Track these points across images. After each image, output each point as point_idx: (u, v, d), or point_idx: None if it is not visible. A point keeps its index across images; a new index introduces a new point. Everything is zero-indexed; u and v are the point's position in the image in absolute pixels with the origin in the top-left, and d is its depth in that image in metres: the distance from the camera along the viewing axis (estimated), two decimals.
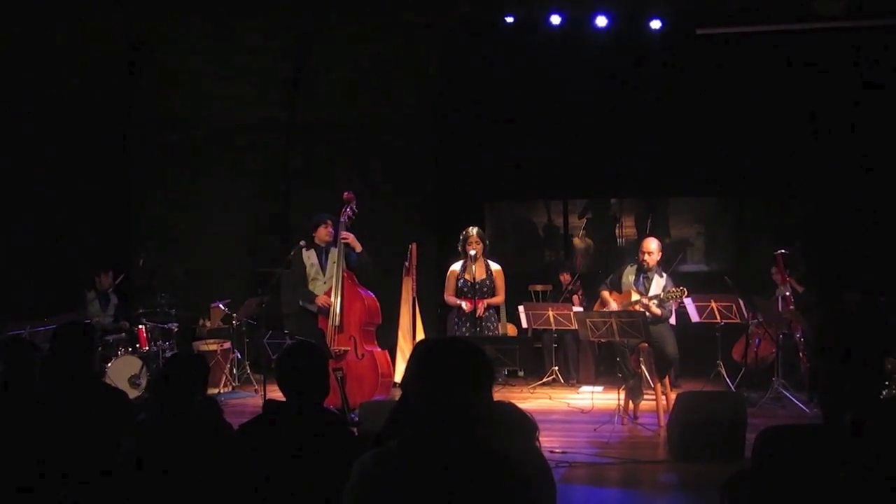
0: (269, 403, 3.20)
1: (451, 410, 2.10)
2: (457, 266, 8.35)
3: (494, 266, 8.41)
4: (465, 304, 8.22)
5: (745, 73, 10.40)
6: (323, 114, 11.13)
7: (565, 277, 10.66)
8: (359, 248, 8.03)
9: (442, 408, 2.10)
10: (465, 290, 8.25)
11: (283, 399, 3.21)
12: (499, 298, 8.39)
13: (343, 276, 7.95)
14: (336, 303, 7.90)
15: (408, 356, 8.74)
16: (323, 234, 8.10)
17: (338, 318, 7.88)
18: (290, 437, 3.01)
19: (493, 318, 8.34)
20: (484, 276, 8.26)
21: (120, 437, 3.46)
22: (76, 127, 10.08)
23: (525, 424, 2.36)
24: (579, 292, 10.39)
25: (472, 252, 8.15)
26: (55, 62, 9.67)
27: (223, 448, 3.17)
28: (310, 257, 8.18)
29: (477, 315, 8.17)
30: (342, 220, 8.02)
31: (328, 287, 8.03)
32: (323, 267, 8.14)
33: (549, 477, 2.18)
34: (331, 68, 10.99)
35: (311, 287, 8.12)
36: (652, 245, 8.20)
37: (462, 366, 2.15)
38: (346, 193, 8.11)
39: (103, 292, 9.83)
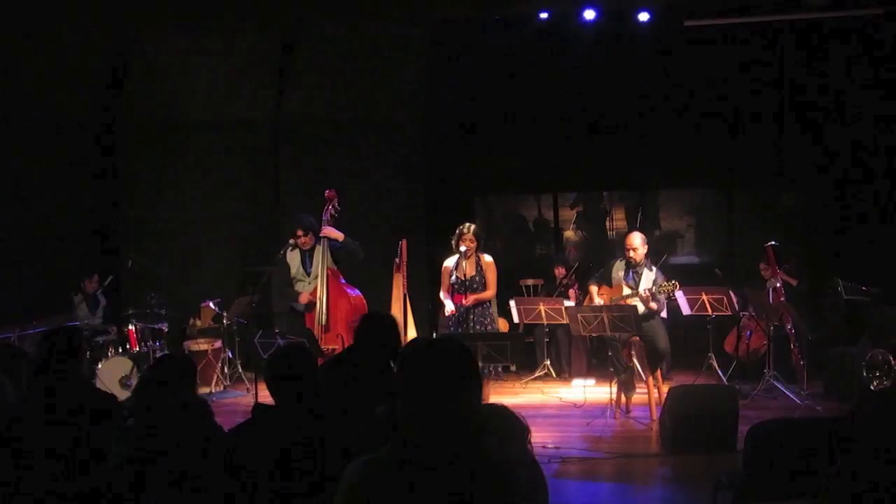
0: (258, 407, 3.19)
1: (440, 414, 2.08)
2: (450, 262, 8.27)
3: (486, 259, 8.22)
4: (449, 307, 8.13)
5: (734, 65, 10.41)
6: (311, 109, 11.08)
7: (560, 271, 10.65)
8: (340, 237, 7.99)
9: (431, 412, 2.08)
10: (457, 286, 8.18)
11: (272, 402, 3.20)
12: (488, 293, 8.15)
13: (328, 275, 7.93)
14: (322, 301, 7.88)
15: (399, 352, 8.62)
16: (301, 240, 8.08)
17: (324, 317, 7.88)
18: (279, 440, 2.99)
19: (485, 314, 8.22)
20: (474, 273, 8.17)
21: (111, 441, 3.44)
22: (61, 126, 10.01)
23: (516, 426, 2.34)
24: (575, 286, 10.37)
25: (464, 248, 8.06)
26: (39, 60, 9.59)
27: (213, 452, 3.15)
28: (294, 259, 8.17)
29: (464, 306, 8.05)
30: (325, 217, 8.00)
31: (312, 287, 8.02)
32: (306, 268, 8.13)
33: (542, 480, 2.17)
34: (319, 63, 10.94)
35: (296, 288, 8.13)
36: (636, 241, 8.12)
37: (450, 368, 2.13)
38: (327, 191, 8.09)
39: (91, 294, 9.79)
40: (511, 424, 2.34)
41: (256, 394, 7.83)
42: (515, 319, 9.79)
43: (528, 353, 10.33)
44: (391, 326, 4.47)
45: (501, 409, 2.39)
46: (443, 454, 2.05)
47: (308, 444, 2.98)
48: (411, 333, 8.79)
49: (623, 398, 8.03)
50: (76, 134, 10.32)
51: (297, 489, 2.88)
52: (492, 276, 8.17)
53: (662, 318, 8.19)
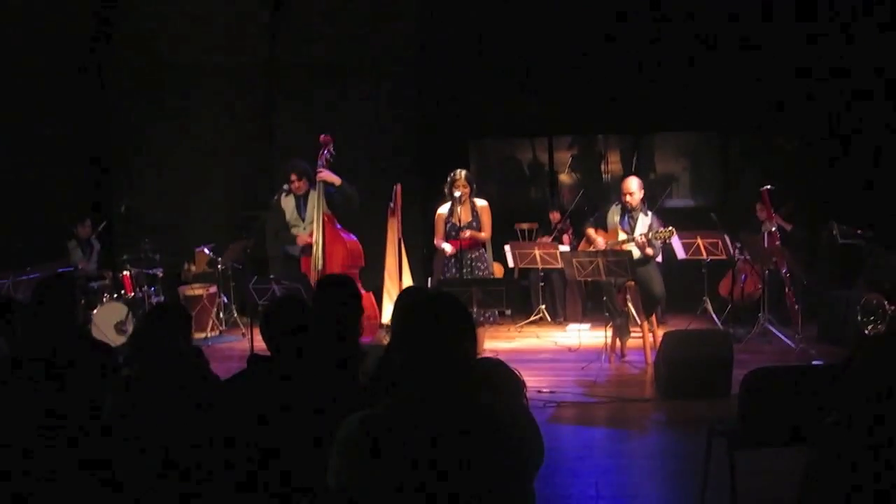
0: (253, 358, 3.18)
1: (437, 366, 2.07)
2: (444, 209, 8.25)
3: (480, 203, 8.23)
4: (448, 247, 8.12)
5: (732, 8, 10.25)
6: (304, 53, 10.93)
7: (555, 216, 10.62)
8: (337, 182, 7.94)
9: (428, 364, 2.07)
10: (453, 233, 8.17)
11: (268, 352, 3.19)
12: (483, 235, 8.20)
13: (324, 220, 7.90)
14: (318, 246, 7.86)
15: (394, 298, 8.65)
16: (295, 185, 8.02)
17: (320, 262, 7.86)
18: (274, 392, 2.98)
19: (481, 259, 8.24)
20: (470, 219, 8.16)
21: (106, 392, 3.43)
22: (51, 71, 9.87)
23: (512, 381, 2.33)
24: (569, 231, 10.35)
25: (458, 194, 8.05)
26: (28, 4, 9.42)
27: (209, 402, 3.15)
28: (288, 204, 8.12)
29: (464, 247, 8.05)
30: (320, 163, 7.94)
31: (308, 232, 7.99)
32: (301, 213, 8.08)
33: (537, 431, 2.16)
34: (311, 5, 10.77)
35: (291, 234, 8.09)
36: (633, 185, 8.06)
37: (444, 320, 2.11)
38: (322, 136, 8.02)
39: (85, 240, 9.74)
40: (506, 378, 2.33)
41: (252, 339, 7.86)
42: (510, 264, 9.79)
43: (523, 297, 10.36)
44: (352, 294, 4.25)
45: (497, 363, 2.37)
46: (440, 406, 2.04)
47: (306, 397, 2.97)
48: (406, 279, 8.80)
49: (618, 343, 8.06)
50: (66, 80, 10.17)
51: (295, 443, 2.88)
52: (487, 220, 8.19)
53: (657, 263, 8.18)
